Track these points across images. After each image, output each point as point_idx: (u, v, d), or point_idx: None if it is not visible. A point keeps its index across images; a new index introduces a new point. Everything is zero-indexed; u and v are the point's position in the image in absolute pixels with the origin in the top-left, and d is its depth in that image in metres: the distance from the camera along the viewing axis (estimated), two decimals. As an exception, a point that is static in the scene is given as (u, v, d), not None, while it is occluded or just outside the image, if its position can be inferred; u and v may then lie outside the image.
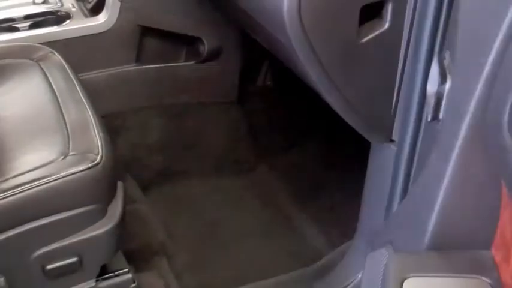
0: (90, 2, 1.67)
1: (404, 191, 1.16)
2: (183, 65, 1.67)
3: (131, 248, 1.37)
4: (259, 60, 1.74)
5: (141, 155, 1.70)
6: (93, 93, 1.34)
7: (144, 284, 1.37)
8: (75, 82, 1.34)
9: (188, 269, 1.45)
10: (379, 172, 1.26)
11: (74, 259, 1.19)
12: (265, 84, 1.76)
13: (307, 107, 1.63)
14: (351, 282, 1.26)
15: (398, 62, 1.11)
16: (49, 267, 1.18)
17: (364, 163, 1.30)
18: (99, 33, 1.56)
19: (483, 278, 0.78)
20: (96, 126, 1.23)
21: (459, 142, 0.79)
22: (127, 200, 1.32)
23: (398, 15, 1.07)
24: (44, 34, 1.55)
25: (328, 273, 1.33)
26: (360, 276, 1.22)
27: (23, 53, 1.42)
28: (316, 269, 1.36)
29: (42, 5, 1.63)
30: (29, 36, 1.54)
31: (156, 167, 1.70)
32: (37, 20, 1.59)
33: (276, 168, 1.49)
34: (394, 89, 1.14)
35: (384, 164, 1.22)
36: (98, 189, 1.18)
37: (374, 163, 1.28)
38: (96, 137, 1.21)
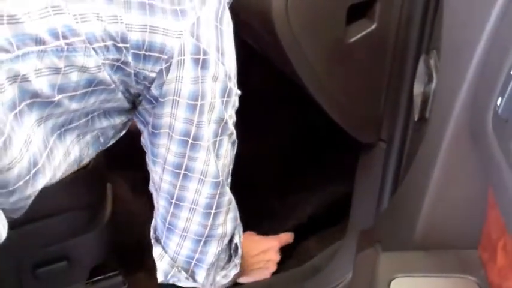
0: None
1: (394, 190, 1.16)
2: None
3: (122, 249, 1.37)
4: (250, 61, 1.73)
5: (132, 155, 1.69)
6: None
7: (135, 285, 1.37)
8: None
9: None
10: (368, 172, 1.26)
11: (64, 263, 1.19)
12: (255, 85, 1.76)
13: (295, 107, 1.63)
14: (341, 282, 1.26)
15: (386, 62, 1.11)
16: (39, 271, 1.18)
17: (354, 163, 1.30)
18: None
19: (470, 277, 0.78)
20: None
21: (445, 142, 0.79)
22: (118, 201, 1.31)
23: (385, 15, 1.07)
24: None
25: (318, 273, 1.33)
26: (350, 276, 1.22)
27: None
28: (307, 269, 1.35)
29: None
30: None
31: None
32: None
33: (266, 169, 1.49)
34: (382, 88, 1.14)
35: (373, 163, 1.22)
36: (87, 192, 1.17)
37: (363, 163, 1.28)
38: (85, 139, 1.20)
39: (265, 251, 1.32)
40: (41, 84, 0.70)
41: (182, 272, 0.95)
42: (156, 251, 0.95)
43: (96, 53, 0.72)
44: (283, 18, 1.01)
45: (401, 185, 1.06)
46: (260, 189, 1.55)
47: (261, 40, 1.19)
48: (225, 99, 0.81)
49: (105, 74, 0.74)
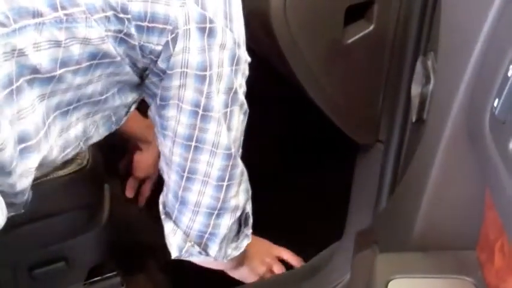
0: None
1: (392, 191, 1.16)
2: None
3: (120, 250, 1.37)
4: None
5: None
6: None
7: (133, 286, 1.37)
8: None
9: (178, 270, 1.45)
10: (366, 173, 1.26)
11: (62, 263, 1.19)
12: (252, 86, 1.75)
13: (293, 108, 1.63)
14: (340, 283, 1.26)
15: (384, 63, 1.11)
16: (36, 272, 1.18)
17: (352, 164, 1.30)
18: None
19: (468, 278, 0.78)
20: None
21: (443, 143, 0.79)
22: (116, 202, 1.31)
23: (383, 17, 1.07)
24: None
25: (316, 274, 1.33)
26: (348, 276, 1.22)
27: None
28: (305, 270, 1.35)
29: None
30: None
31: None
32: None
33: (261, 169, 1.49)
34: (380, 89, 1.14)
35: (371, 164, 1.22)
36: (85, 193, 1.17)
37: (361, 164, 1.28)
38: (83, 140, 1.20)
39: (268, 253, 1.32)
40: (41, 58, 0.69)
41: (195, 246, 0.94)
42: (168, 227, 0.94)
43: (98, 24, 0.70)
44: (281, 19, 1.01)
45: (399, 186, 1.06)
46: (257, 190, 1.55)
47: (259, 40, 1.19)
48: (233, 67, 0.80)
49: (109, 46, 0.72)
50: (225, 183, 0.88)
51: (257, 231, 1.34)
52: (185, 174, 0.87)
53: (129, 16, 0.71)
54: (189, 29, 0.73)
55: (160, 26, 0.73)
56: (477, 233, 0.82)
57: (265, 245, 1.33)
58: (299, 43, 1.04)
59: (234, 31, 0.77)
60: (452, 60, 0.79)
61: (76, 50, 0.71)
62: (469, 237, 0.83)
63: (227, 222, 0.93)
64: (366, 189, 1.24)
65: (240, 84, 0.83)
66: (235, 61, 0.79)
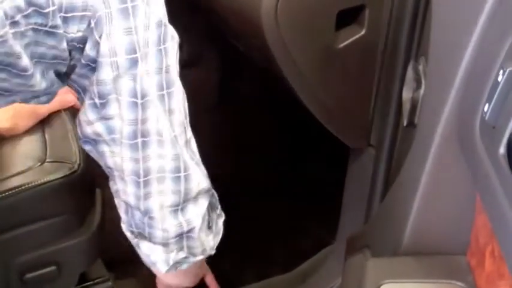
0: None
1: (384, 195, 1.16)
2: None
3: (111, 255, 1.36)
4: (241, 65, 1.74)
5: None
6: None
7: (124, 291, 1.37)
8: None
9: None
10: (358, 176, 1.26)
11: (53, 268, 1.19)
12: (247, 89, 1.76)
13: (284, 113, 1.63)
14: (332, 287, 1.26)
15: (375, 67, 1.11)
16: (27, 276, 1.17)
17: (344, 168, 1.30)
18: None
19: (459, 283, 0.78)
20: (74, 133, 1.23)
21: (433, 148, 0.79)
22: (107, 207, 1.31)
23: (375, 21, 1.07)
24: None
25: (309, 278, 1.33)
26: (339, 281, 1.22)
27: None
28: (297, 274, 1.36)
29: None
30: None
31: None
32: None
33: (255, 174, 1.50)
34: (371, 93, 1.14)
35: (363, 168, 1.23)
36: (76, 197, 1.17)
37: (353, 168, 1.29)
38: (74, 144, 1.20)
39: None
40: None
41: (179, 252, 0.90)
42: (144, 247, 0.91)
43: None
44: (272, 23, 1.01)
45: (390, 190, 1.06)
46: (249, 194, 1.55)
47: (251, 46, 1.19)
48: (161, 47, 0.76)
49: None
50: (182, 174, 0.83)
51: (250, 235, 1.35)
52: (141, 180, 0.83)
53: (55, 8, 0.69)
54: (111, 12, 0.71)
55: (80, 13, 0.70)
56: (468, 237, 0.82)
57: None
58: (290, 47, 1.04)
59: (154, 11, 0.75)
60: (443, 65, 0.79)
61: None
62: (460, 242, 0.83)
63: (197, 211, 0.88)
64: (358, 194, 1.24)
65: (171, 63, 0.79)
66: (161, 40, 0.76)
